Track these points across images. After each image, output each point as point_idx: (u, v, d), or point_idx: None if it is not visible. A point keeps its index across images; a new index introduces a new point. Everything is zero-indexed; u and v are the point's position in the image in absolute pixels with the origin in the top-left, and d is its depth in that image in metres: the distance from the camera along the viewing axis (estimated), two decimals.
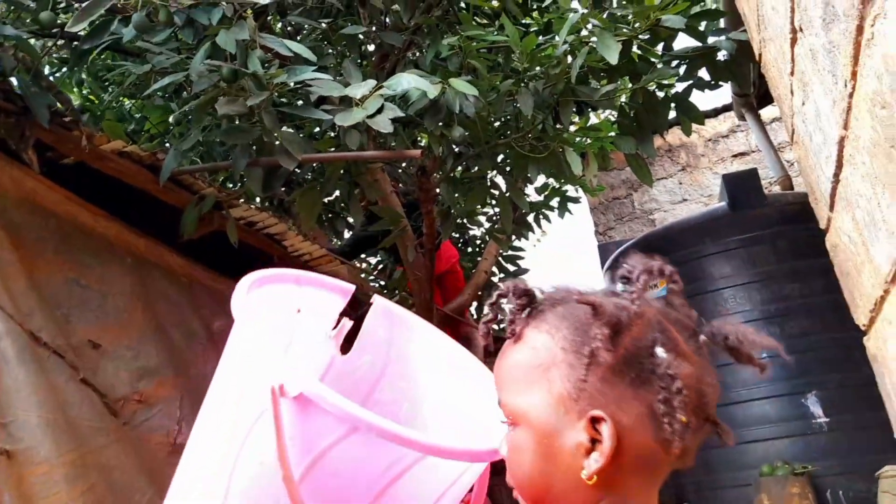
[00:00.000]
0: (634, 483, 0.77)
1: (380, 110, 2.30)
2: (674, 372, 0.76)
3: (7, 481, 2.10)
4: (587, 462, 0.73)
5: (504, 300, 0.85)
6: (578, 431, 0.74)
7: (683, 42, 2.97)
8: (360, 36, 3.13)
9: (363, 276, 5.03)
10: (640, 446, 0.74)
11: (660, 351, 0.77)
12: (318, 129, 3.37)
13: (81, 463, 2.27)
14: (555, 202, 4.92)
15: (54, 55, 3.25)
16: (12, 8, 2.65)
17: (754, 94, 4.84)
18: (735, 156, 7.21)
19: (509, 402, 0.79)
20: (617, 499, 0.75)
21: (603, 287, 0.91)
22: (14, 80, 2.42)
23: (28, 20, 2.83)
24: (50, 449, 2.20)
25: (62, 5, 2.63)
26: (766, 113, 5.60)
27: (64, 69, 3.51)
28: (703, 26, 2.95)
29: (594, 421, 0.73)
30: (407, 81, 2.38)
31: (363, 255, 6.02)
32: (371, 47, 3.59)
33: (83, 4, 2.08)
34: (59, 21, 2.69)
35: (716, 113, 7.28)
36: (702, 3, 3.17)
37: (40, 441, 2.20)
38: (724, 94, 6.74)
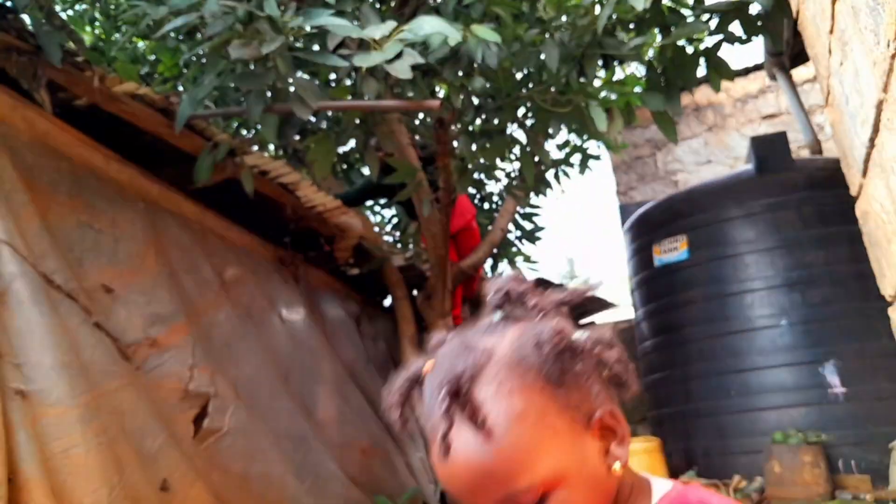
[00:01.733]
0: None
1: (399, 56, 2.23)
2: (608, 339, 0.80)
3: (22, 421, 2.12)
4: (615, 455, 0.77)
5: (440, 406, 0.74)
6: (594, 441, 0.76)
7: None
8: None
9: (377, 229, 5.01)
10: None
11: (580, 335, 0.80)
12: (334, 76, 3.29)
13: (95, 405, 2.30)
14: (575, 159, 4.83)
15: None
16: None
17: (787, 54, 4.67)
18: (764, 117, 7.02)
19: (535, 479, 0.72)
20: (629, 469, 0.80)
21: (482, 324, 0.87)
22: (26, 18, 2.37)
23: None
24: (64, 391, 2.22)
25: None
26: (798, 74, 5.42)
27: (77, 7, 3.45)
28: None
29: (600, 422, 0.76)
30: (429, 25, 2.30)
31: (378, 208, 5.99)
32: None
33: None
34: None
35: (746, 72, 7.07)
36: None
37: (54, 383, 2.22)
38: (755, 52, 6.52)
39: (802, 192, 3.67)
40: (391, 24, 2.28)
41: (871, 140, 1.10)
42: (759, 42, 4.08)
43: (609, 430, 0.77)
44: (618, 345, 0.81)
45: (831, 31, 1.20)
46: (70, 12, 3.46)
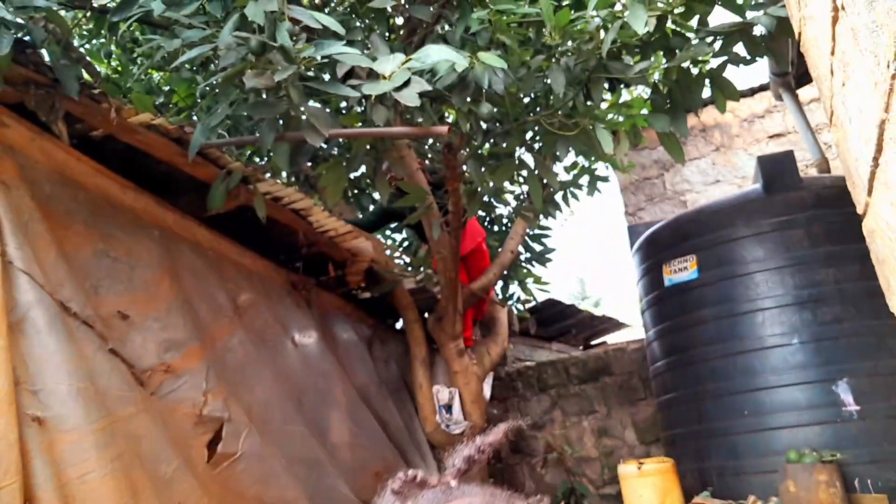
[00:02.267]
0: None
1: (406, 83, 2.27)
2: None
3: (38, 448, 2.14)
4: None
5: None
6: None
7: (718, 15, 2.88)
8: (388, 9, 3.09)
9: (388, 253, 5.04)
10: None
11: None
12: (344, 104, 3.35)
13: (110, 431, 2.32)
14: (584, 181, 4.87)
15: (84, 27, 3.27)
16: None
17: (793, 74, 4.71)
18: (771, 137, 7.03)
19: None
20: None
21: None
22: (45, 52, 2.44)
23: None
24: (80, 417, 2.25)
25: None
26: (804, 94, 5.45)
27: (93, 41, 3.53)
28: (741, 0, 2.85)
29: None
30: (436, 53, 2.34)
31: (389, 232, 6.02)
32: (399, 21, 3.54)
33: None
34: None
35: (752, 92, 7.10)
36: None
37: (71, 409, 2.24)
38: (760, 73, 6.57)
39: (811, 211, 3.67)
40: (400, 56, 2.33)
41: (875, 159, 1.11)
42: (764, 62, 4.11)
43: None
44: None
45: (832, 53, 1.22)
46: (87, 46, 3.55)
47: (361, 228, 4.51)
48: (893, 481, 3.07)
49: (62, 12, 2.63)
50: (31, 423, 2.17)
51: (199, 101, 3.36)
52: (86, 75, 2.65)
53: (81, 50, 3.43)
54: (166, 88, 3.58)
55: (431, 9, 3.07)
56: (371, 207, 5.58)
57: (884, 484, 3.10)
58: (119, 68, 3.57)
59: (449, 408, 4.55)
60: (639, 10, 2.39)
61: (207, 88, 3.04)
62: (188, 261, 3.06)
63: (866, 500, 3.01)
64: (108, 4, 2.12)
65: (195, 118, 3.46)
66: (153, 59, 2.93)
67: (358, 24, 3.13)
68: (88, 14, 2.86)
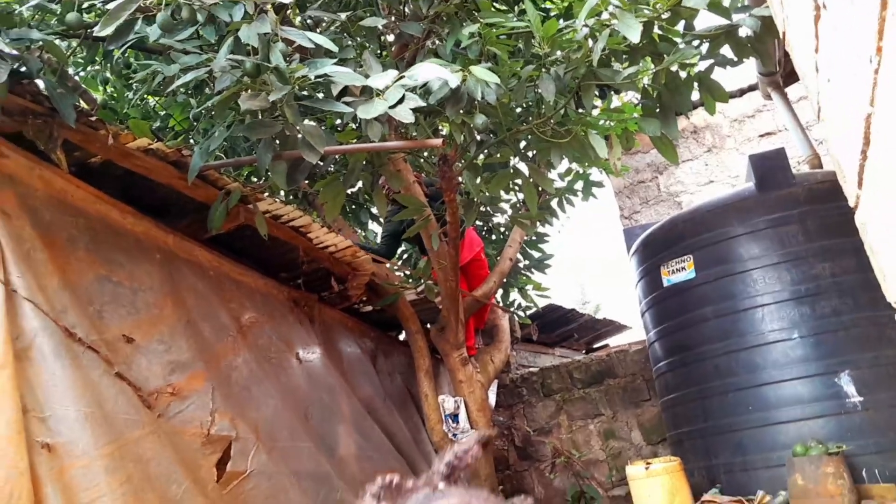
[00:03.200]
0: None
1: (401, 100, 2.30)
2: None
3: (48, 475, 2.15)
4: None
5: None
6: None
7: (705, 19, 2.92)
8: (380, 27, 3.13)
9: (388, 265, 5.06)
10: None
11: None
12: (339, 120, 3.38)
13: (119, 455, 2.33)
14: (578, 186, 4.90)
15: (79, 55, 3.30)
16: (38, 11, 2.69)
17: (780, 73, 4.75)
18: (762, 135, 7.09)
19: None
20: None
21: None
22: (41, 82, 2.46)
23: (53, 21, 2.87)
24: (88, 442, 2.26)
25: (85, 5, 2.67)
26: (793, 91, 5.50)
27: (89, 68, 3.56)
28: (727, 2, 2.90)
29: None
30: (428, 71, 2.38)
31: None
32: (390, 38, 3.59)
33: (108, 5, 2.10)
34: (84, 19, 2.73)
35: (741, 93, 7.16)
36: None
37: (79, 435, 2.25)
38: (749, 74, 6.63)
39: (804, 206, 3.71)
40: (393, 73, 2.36)
41: (864, 152, 1.14)
42: (752, 63, 4.16)
43: None
44: None
45: (816, 51, 1.25)
46: (82, 73, 3.58)
47: (380, 256, 4.58)
48: None
49: (57, 41, 2.66)
50: (41, 450, 2.18)
51: (195, 123, 3.39)
52: (82, 103, 2.67)
53: (77, 78, 3.46)
54: (163, 112, 3.61)
55: (422, 25, 3.11)
56: (369, 221, 5.61)
57: (891, 473, 3.12)
58: (115, 94, 3.60)
59: (455, 417, 4.56)
60: (629, 19, 2.43)
61: (204, 111, 3.07)
62: (190, 282, 3.08)
63: (874, 490, 3.03)
64: (103, 33, 2.14)
65: (192, 141, 3.49)
66: (150, 84, 2.96)
67: (350, 42, 3.17)
68: (87, 43, 2.89)
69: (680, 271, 4.06)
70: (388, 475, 1.00)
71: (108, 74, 3.53)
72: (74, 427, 2.25)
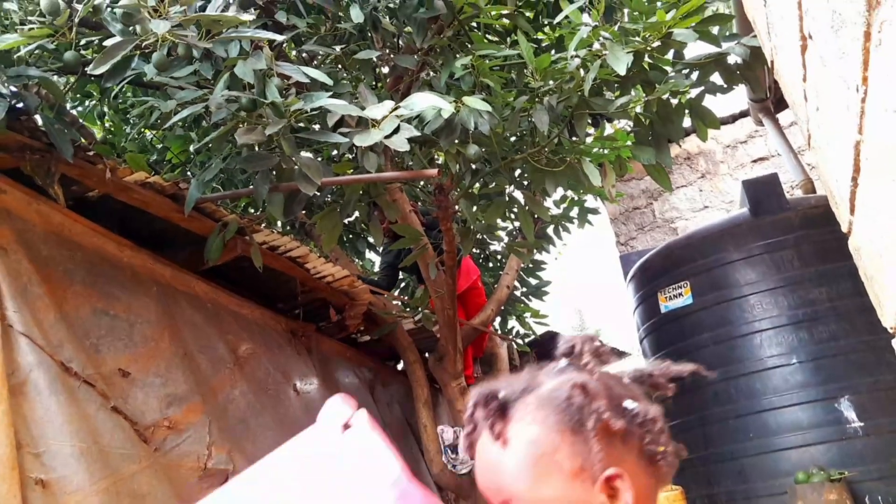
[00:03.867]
0: None
1: (396, 130, 2.33)
2: (651, 416, 0.88)
3: None
4: None
5: (479, 410, 0.89)
6: (596, 495, 0.82)
7: (695, 47, 2.97)
8: (374, 59, 3.17)
9: (385, 295, 5.05)
10: (642, 487, 0.84)
11: (629, 404, 0.88)
12: (336, 151, 3.41)
13: (115, 490, 2.30)
14: (574, 213, 4.93)
15: (76, 92, 3.33)
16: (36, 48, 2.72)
17: (771, 99, 4.81)
18: (755, 161, 7.15)
19: (532, 497, 0.82)
20: None
21: (550, 367, 0.95)
22: (38, 118, 2.49)
23: (50, 58, 2.90)
24: (83, 477, 2.24)
25: (83, 42, 2.70)
26: (785, 117, 5.56)
27: (87, 102, 3.59)
28: (715, 30, 2.94)
29: (609, 480, 0.82)
30: (422, 101, 2.41)
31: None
32: (385, 70, 3.63)
33: (105, 43, 2.13)
34: (82, 56, 2.76)
35: (733, 119, 7.23)
36: (714, 8, 3.17)
37: (74, 470, 2.23)
38: (740, 100, 6.71)
39: (799, 231, 3.73)
40: (389, 103, 2.39)
41: (854, 179, 1.15)
42: (743, 90, 4.21)
43: (617, 491, 0.82)
44: (662, 425, 0.88)
45: (804, 80, 1.27)
46: (79, 108, 3.62)
47: (380, 288, 4.59)
48: None
49: (54, 77, 2.69)
50: (35, 486, 2.15)
51: (192, 156, 3.42)
52: (81, 138, 2.69)
53: (75, 112, 3.49)
54: (160, 146, 3.64)
55: (416, 57, 3.15)
56: (366, 251, 5.61)
57: (894, 499, 3.09)
58: (113, 128, 3.63)
59: (455, 448, 4.51)
60: (618, 51, 2.47)
61: (201, 144, 3.10)
62: (187, 314, 3.07)
63: None
64: (98, 71, 2.17)
65: (189, 174, 3.51)
66: (147, 119, 2.99)
67: (345, 75, 3.21)
68: (82, 79, 2.92)
69: (677, 297, 4.07)
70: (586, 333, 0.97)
71: (105, 109, 3.56)
72: (69, 462, 2.23)
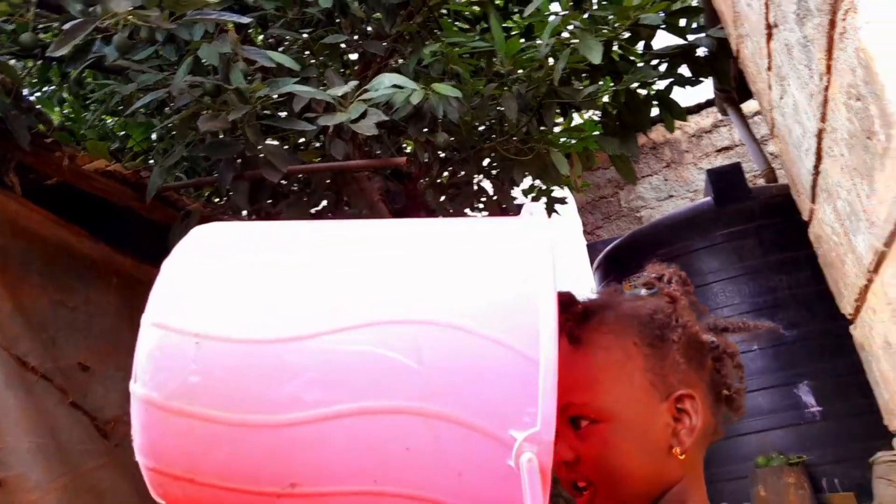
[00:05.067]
0: (699, 458, 0.86)
1: (363, 115, 2.30)
2: (731, 350, 0.88)
3: None
4: (679, 438, 0.81)
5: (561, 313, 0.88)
6: (663, 414, 0.81)
7: (663, 41, 2.99)
8: (342, 45, 3.12)
9: None
10: (705, 420, 0.83)
11: (708, 336, 0.88)
12: (302, 140, 3.36)
13: (73, 487, 2.25)
14: (542, 202, 4.94)
15: (34, 76, 3.22)
16: None
17: (735, 89, 4.88)
18: (719, 150, 7.26)
19: (593, 402, 0.81)
20: (694, 474, 0.85)
21: (635, 289, 0.97)
22: None
23: (7, 40, 2.80)
24: (41, 475, 2.18)
25: (42, 26, 2.61)
26: (748, 107, 5.65)
27: (45, 88, 3.48)
28: (682, 23, 2.97)
29: (678, 400, 0.81)
30: (389, 81, 2.38)
31: None
32: (353, 56, 3.59)
33: (64, 25, 2.06)
34: (40, 39, 2.67)
35: (698, 108, 7.32)
36: (682, 1, 3.20)
37: (31, 467, 2.18)
38: (706, 89, 6.79)
39: (760, 220, 3.80)
40: (353, 83, 2.36)
41: (816, 167, 1.17)
42: (708, 80, 4.26)
43: (685, 413, 0.81)
44: (739, 360, 0.89)
45: (769, 68, 1.28)
46: (38, 94, 3.50)
47: None
48: (860, 478, 3.15)
49: (11, 61, 2.60)
50: None
51: (155, 144, 3.34)
52: (38, 124, 2.60)
53: (32, 98, 3.38)
54: (121, 133, 3.54)
55: (384, 43, 3.12)
56: None
57: (850, 482, 3.18)
58: (72, 115, 3.52)
59: None
60: (591, 40, 2.47)
61: (164, 131, 3.02)
62: None
63: (834, 500, 3.08)
64: (58, 53, 2.10)
65: (152, 162, 3.43)
66: (107, 104, 2.90)
67: (312, 61, 3.16)
68: (40, 63, 2.83)
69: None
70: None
71: (64, 95, 3.45)
72: (26, 459, 2.17)
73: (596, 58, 2.45)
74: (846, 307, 1.29)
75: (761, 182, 4.83)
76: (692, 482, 0.85)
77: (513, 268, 0.69)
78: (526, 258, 0.69)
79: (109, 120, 3.70)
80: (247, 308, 0.69)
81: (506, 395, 0.63)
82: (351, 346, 0.65)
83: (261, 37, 3.25)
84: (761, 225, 3.79)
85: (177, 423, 0.67)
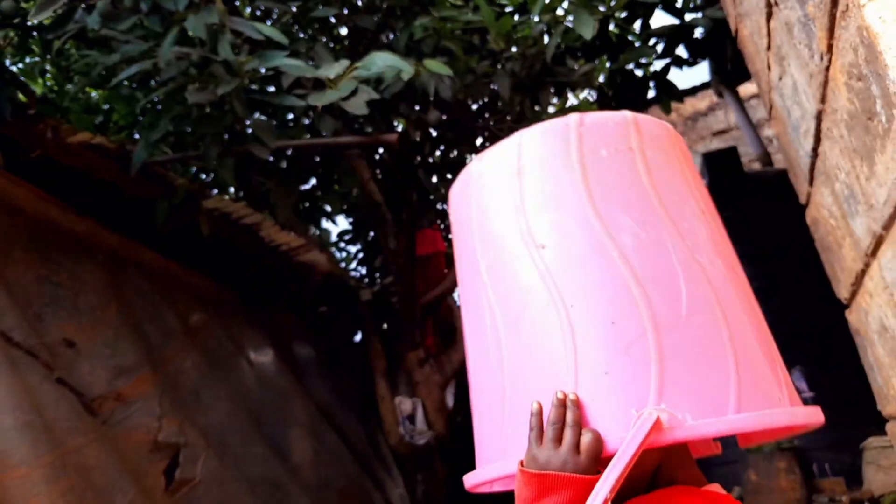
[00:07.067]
0: None
1: (354, 93, 2.25)
2: None
3: None
4: None
5: None
6: None
7: (660, 22, 2.95)
8: (332, 19, 3.06)
9: (343, 265, 4.99)
10: None
11: None
12: (291, 115, 3.30)
13: (60, 464, 2.23)
14: None
15: (16, 45, 3.15)
16: None
17: (733, 71, 4.83)
18: (715, 133, 7.22)
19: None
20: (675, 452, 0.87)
21: None
22: None
23: None
24: (27, 451, 2.16)
25: None
26: (745, 90, 5.60)
27: (27, 59, 3.41)
28: (679, 2, 2.92)
29: None
30: (381, 60, 2.33)
31: (343, 244, 5.97)
32: (343, 31, 3.52)
33: None
34: (20, 7, 2.60)
35: (694, 91, 7.28)
36: None
37: (16, 444, 2.15)
38: (702, 72, 6.72)
39: (755, 204, 3.77)
40: (345, 62, 2.30)
41: (815, 149, 1.13)
42: (705, 62, 4.22)
43: None
44: None
45: (769, 48, 1.24)
46: (20, 65, 3.42)
47: None
48: (850, 464, 3.16)
49: None
50: None
51: (140, 118, 3.28)
52: (20, 96, 2.54)
53: (14, 69, 3.30)
54: (106, 106, 3.47)
55: (375, 18, 3.05)
56: (322, 219, 5.52)
57: (841, 467, 3.19)
58: (55, 87, 3.44)
59: (412, 418, 4.51)
60: (584, 14, 2.42)
61: (149, 105, 2.96)
62: (135, 283, 2.97)
63: (825, 484, 3.09)
64: (42, 22, 2.04)
65: (137, 136, 3.37)
66: (91, 75, 2.84)
67: (301, 34, 3.10)
68: (20, 32, 2.76)
69: None
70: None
71: (47, 66, 3.38)
72: (12, 435, 2.15)
73: (587, 33, 2.40)
74: (842, 291, 1.27)
75: (757, 166, 4.81)
76: (680, 460, 0.87)
77: None
78: None
79: (94, 93, 3.63)
80: None
81: None
82: None
83: (248, 9, 3.18)
84: (756, 209, 3.76)
85: None
